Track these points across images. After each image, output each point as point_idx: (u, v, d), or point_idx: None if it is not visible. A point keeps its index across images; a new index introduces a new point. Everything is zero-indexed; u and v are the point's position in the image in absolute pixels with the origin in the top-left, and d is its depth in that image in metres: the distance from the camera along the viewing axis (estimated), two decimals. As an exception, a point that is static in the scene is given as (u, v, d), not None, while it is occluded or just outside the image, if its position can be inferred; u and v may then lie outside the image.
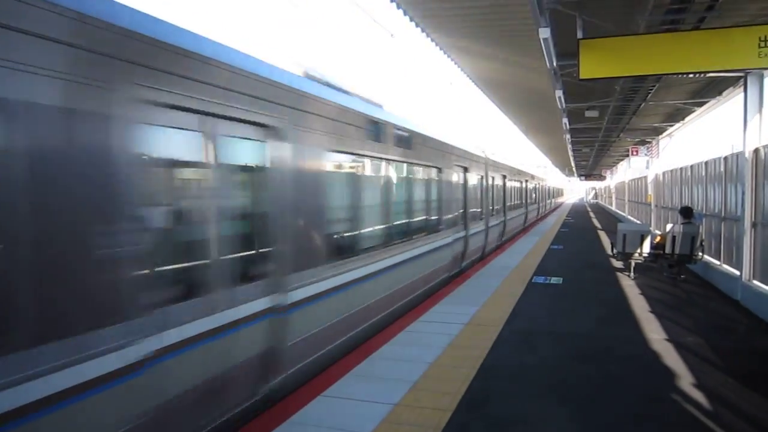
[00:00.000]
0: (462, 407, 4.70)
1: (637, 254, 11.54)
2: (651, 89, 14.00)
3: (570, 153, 36.01)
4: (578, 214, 43.81)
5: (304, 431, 4.22)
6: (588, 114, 16.76)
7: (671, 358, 6.09)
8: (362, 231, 7.35)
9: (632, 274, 11.53)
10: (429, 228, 10.21)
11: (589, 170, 56.76)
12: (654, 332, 7.16)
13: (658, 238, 11.82)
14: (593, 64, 7.46)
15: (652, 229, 16.98)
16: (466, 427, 4.33)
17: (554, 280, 11.20)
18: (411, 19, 9.82)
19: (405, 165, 9.07)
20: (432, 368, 5.68)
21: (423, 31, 10.49)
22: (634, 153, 23.41)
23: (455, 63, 13.34)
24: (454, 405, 4.73)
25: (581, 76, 7.49)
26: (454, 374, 5.51)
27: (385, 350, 6.29)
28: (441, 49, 11.93)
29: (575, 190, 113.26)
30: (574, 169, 57.69)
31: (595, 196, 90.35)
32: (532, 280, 11.10)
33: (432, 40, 11.22)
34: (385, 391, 5.03)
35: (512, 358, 6.09)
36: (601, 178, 59.41)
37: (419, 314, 8.06)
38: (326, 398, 4.86)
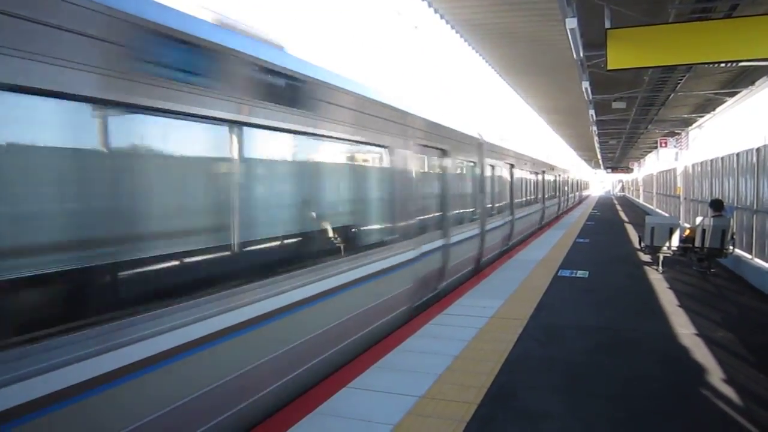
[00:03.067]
0: (488, 400, 4.69)
1: (665, 248, 11.35)
2: (681, 79, 13.75)
3: (596, 145, 35.52)
4: (605, 207, 43.22)
5: (330, 422, 4.26)
6: (615, 105, 16.53)
7: (701, 353, 5.99)
8: (488, 206, 13.01)
9: (660, 267, 11.35)
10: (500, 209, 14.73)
11: (616, 162, 56.00)
12: (683, 327, 7.05)
13: (687, 232, 11.61)
14: (622, 54, 7.34)
15: (681, 222, 16.68)
16: (492, 420, 4.32)
17: (580, 273, 11.08)
18: (435, 11, 9.78)
19: (492, 166, 13.43)
20: (457, 361, 5.68)
21: (448, 23, 10.42)
22: (663, 145, 23.01)
23: (480, 54, 13.23)
24: (479, 398, 4.73)
25: (609, 67, 7.39)
26: (479, 367, 5.50)
27: (409, 343, 6.31)
28: (466, 40, 11.85)
29: (602, 183, 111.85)
30: (600, 161, 56.93)
31: (622, 188, 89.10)
32: (558, 274, 11.00)
33: (456, 32, 11.15)
34: (410, 383, 5.05)
35: (538, 352, 6.06)
36: (629, 170, 58.56)
37: (444, 307, 8.06)
38: (352, 389, 4.89)
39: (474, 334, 6.68)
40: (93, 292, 3.29)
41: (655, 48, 7.35)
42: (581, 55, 9.79)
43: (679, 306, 8.20)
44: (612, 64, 7.40)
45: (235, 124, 4.31)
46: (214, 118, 4.06)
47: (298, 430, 4.12)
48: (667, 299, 8.68)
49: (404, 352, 5.96)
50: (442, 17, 10.14)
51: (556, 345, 6.35)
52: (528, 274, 10.90)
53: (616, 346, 6.33)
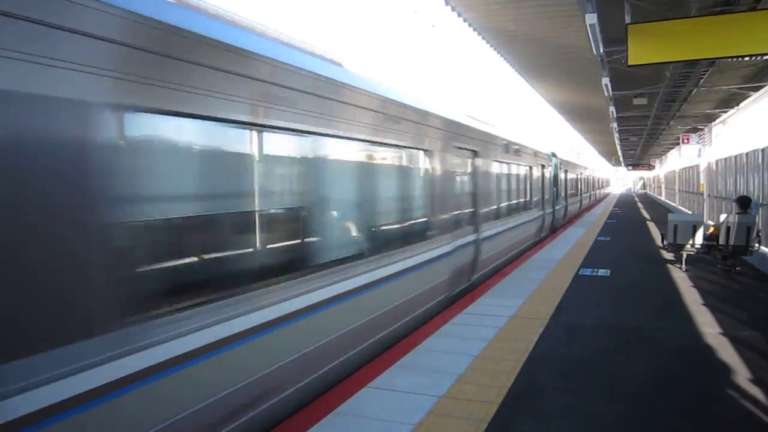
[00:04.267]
0: (509, 400, 4.66)
1: (689, 245, 11.17)
2: (703, 74, 13.53)
3: (617, 142, 35.12)
4: (626, 204, 42.71)
5: (351, 422, 4.26)
6: (636, 102, 16.30)
7: (726, 352, 5.88)
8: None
9: (684, 266, 11.17)
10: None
11: (637, 159, 55.30)
12: (707, 326, 6.93)
13: (711, 229, 11.42)
14: (643, 50, 7.24)
15: (704, 219, 16.41)
16: (513, 421, 4.29)
17: (602, 272, 10.96)
18: (453, 9, 9.73)
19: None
20: (477, 361, 5.65)
21: (465, 20, 10.36)
22: (685, 141, 22.68)
23: (497, 51, 13.14)
24: (500, 398, 4.70)
25: (630, 63, 7.30)
26: (500, 367, 5.46)
27: (429, 342, 6.28)
28: (483, 37, 11.78)
29: (622, 180, 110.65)
30: (621, 158, 56.27)
31: (643, 186, 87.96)
32: (579, 272, 10.89)
33: (474, 29, 11.08)
34: (430, 383, 5.03)
35: (559, 352, 6.00)
36: (650, 167, 57.78)
37: (463, 306, 8.02)
38: (372, 389, 4.89)
39: (494, 333, 6.64)
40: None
41: (678, 42, 7.23)
42: (601, 51, 9.68)
43: (704, 304, 8.06)
44: (633, 59, 7.30)
45: (379, 144, 6.50)
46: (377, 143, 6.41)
47: (319, 430, 4.13)
48: (691, 298, 8.54)
49: (424, 352, 5.95)
50: (459, 15, 10.09)
51: (578, 344, 6.28)
52: (548, 273, 10.80)
53: (639, 345, 6.24)
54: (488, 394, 4.79)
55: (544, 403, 4.64)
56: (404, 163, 7.47)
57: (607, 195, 67.45)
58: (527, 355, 5.82)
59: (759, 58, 10.74)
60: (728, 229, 10.57)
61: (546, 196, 18.19)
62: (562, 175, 22.28)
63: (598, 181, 50.82)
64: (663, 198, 45.80)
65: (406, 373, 5.28)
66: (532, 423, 4.27)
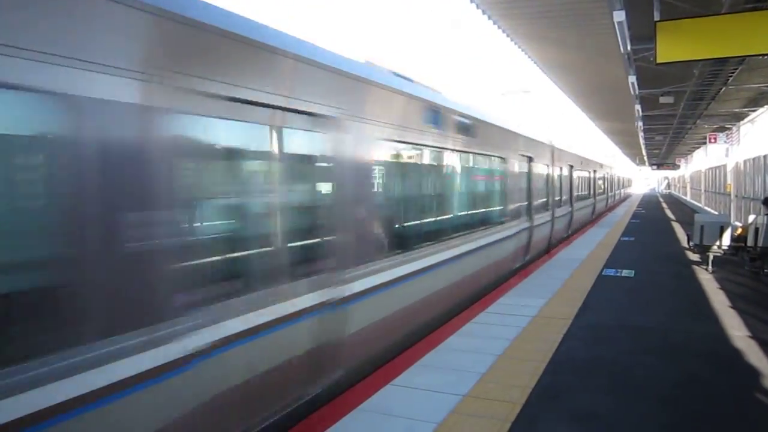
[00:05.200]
0: (532, 400, 4.63)
1: (715, 247, 10.98)
2: (732, 72, 13.27)
3: (642, 141, 34.65)
4: (650, 204, 42.12)
5: (374, 419, 4.27)
6: (662, 100, 16.05)
7: (755, 356, 5.77)
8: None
9: (710, 267, 10.98)
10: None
11: (662, 159, 54.48)
12: (735, 329, 6.81)
13: (739, 230, 11.21)
14: (671, 47, 7.13)
15: (731, 220, 16.12)
16: (537, 421, 4.26)
17: (626, 272, 10.82)
18: (477, 6, 9.67)
19: (560, 167, 16.77)
20: (500, 360, 5.62)
21: (490, 18, 10.30)
22: (712, 140, 22.30)
23: (522, 50, 13.04)
24: (524, 398, 4.67)
25: (659, 60, 7.18)
26: (523, 367, 5.43)
27: (452, 341, 6.27)
28: (509, 36, 11.69)
29: (646, 180, 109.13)
30: (645, 157, 55.47)
31: (668, 186, 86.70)
32: (602, 273, 10.77)
33: (499, 27, 11.01)
34: (453, 382, 5.02)
35: (583, 353, 5.94)
36: (675, 167, 56.91)
37: (485, 306, 7.99)
38: (395, 387, 4.89)
39: (517, 333, 6.60)
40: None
41: (708, 40, 7.11)
42: (628, 49, 9.54)
43: (731, 307, 7.92)
44: (661, 57, 7.19)
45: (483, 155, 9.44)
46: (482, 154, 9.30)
47: (342, 426, 4.15)
48: (718, 300, 8.40)
49: (447, 351, 5.93)
50: (484, 12, 10.03)
51: (602, 345, 6.21)
52: (571, 273, 10.70)
53: (664, 347, 6.15)
54: (512, 393, 4.76)
55: (568, 403, 4.60)
56: (495, 167, 10.24)
57: (628, 196, 66.18)
58: (551, 356, 5.78)
59: (791, 55, 10.50)
60: (756, 230, 10.36)
61: (580, 193, 21.78)
62: (590, 175, 25.26)
63: (619, 181, 50.61)
64: (688, 198, 45.08)
65: (429, 372, 5.27)
66: (557, 423, 4.23)
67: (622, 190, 54.40)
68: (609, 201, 35.19)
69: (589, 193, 24.58)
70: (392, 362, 5.75)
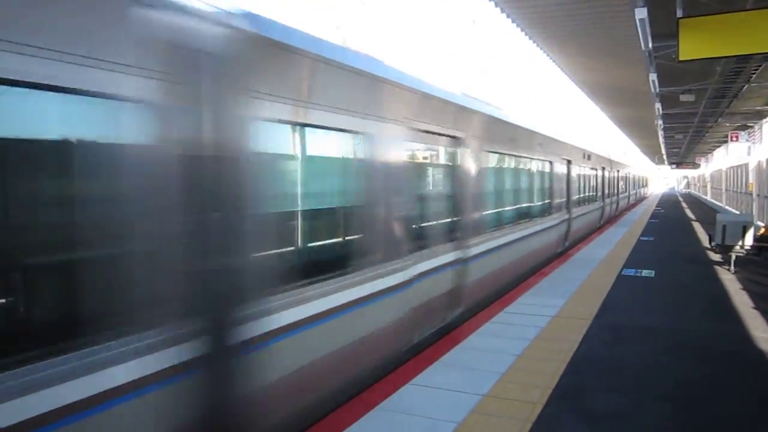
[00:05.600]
0: (553, 401, 4.60)
1: (738, 246, 10.82)
2: (756, 69, 13.05)
3: (661, 140, 34.25)
4: (669, 204, 41.62)
5: (394, 418, 4.28)
6: (683, 98, 15.84)
7: (780, 358, 5.68)
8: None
9: (732, 267, 10.82)
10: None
11: (681, 158, 53.83)
12: (759, 329, 6.70)
13: (762, 230, 11.05)
14: (694, 44, 7.04)
15: (754, 219, 15.87)
16: (558, 421, 4.23)
17: (646, 272, 10.71)
18: (496, 5, 9.62)
19: (593, 168, 19.58)
20: (520, 360, 5.60)
21: (509, 17, 10.24)
22: (734, 139, 21.99)
23: (542, 49, 12.95)
24: (544, 398, 4.64)
25: (681, 58, 7.10)
26: (543, 367, 5.40)
27: (472, 340, 6.25)
28: (526, 33, 11.62)
29: (665, 179, 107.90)
30: (664, 156, 54.82)
31: (687, 185, 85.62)
32: (622, 273, 10.67)
33: (517, 25, 10.94)
34: (473, 381, 5.01)
35: (604, 353, 5.89)
36: (695, 165, 56.19)
37: (504, 305, 7.95)
38: (415, 386, 4.89)
39: (536, 333, 6.57)
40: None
41: (731, 36, 7.00)
42: (649, 46, 9.43)
43: (754, 308, 7.80)
44: (684, 54, 7.10)
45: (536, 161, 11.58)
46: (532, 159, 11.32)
47: (362, 425, 4.16)
48: (741, 300, 8.28)
49: (466, 350, 5.92)
50: (502, 11, 9.97)
51: (623, 346, 6.15)
52: (590, 273, 10.62)
53: (686, 348, 6.08)
54: (532, 394, 4.74)
55: (589, 404, 4.57)
56: (545, 169, 12.44)
57: (643, 198, 64.91)
58: (571, 356, 5.74)
59: (816, 52, 10.30)
60: (781, 230, 10.21)
61: (606, 191, 24.50)
62: (614, 175, 28.49)
63: (639, 179, 50.72)
64: (708, 197, 44.48)
65: (449, 371, 5.27)
66: (578, 424, 4.21)
67: (640, 190, 53.85)
68: (630, 199, 38.76)
69: (616, 191, 28.24)
70: (412, 361, 5.75)
